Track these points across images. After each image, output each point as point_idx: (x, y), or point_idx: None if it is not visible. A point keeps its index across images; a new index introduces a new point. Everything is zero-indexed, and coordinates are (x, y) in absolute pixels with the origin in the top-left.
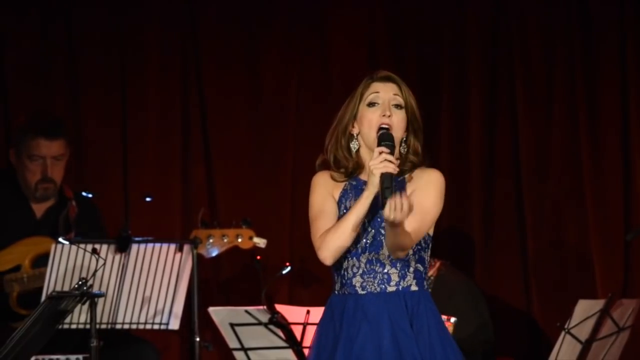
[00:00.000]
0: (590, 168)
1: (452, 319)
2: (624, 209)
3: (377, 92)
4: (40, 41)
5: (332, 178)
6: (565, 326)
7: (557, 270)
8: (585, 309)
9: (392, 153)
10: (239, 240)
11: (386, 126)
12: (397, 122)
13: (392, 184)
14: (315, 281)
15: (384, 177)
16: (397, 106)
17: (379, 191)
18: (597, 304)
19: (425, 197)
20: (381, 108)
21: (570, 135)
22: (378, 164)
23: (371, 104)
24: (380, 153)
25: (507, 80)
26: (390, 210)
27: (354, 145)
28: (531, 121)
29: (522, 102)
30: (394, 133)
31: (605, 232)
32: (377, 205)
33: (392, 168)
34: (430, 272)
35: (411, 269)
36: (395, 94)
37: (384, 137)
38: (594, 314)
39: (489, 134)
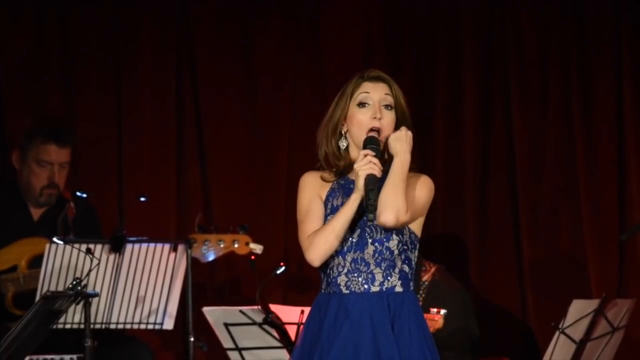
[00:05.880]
0: (585, 168)
1: (442, 311)
2: (618, 209)
3: (368, 93)
4: (34, 41)
5: (322, 178)
6: (560, 326)
7: (551, 270)
8: (579, 309)
9: (377, 156)
10: (236, 245)
11: (376, 129)
12: (387, 124)
13: (376, 186)
14: (309, 283)
15: (369, 179)
16: (387, 106)
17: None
18: (592, 304)
19: (417, 194)
20: (372, 110)
21: (565, 135)
22: (363, 165)
23: (361, 104)
24: (365, 155)
25: (502, 80)
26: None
27: (342, 143)
28: (526, 121)
29: (516, 103)
30: (384, 135)
31: (600, 232)
32: (363, 204)
33: (377, 170)
34: (425, 277)
35: (397, 269)
36: (386, 94)
37: (370, 141)
38: (589, 314)
39: (484, 135)
